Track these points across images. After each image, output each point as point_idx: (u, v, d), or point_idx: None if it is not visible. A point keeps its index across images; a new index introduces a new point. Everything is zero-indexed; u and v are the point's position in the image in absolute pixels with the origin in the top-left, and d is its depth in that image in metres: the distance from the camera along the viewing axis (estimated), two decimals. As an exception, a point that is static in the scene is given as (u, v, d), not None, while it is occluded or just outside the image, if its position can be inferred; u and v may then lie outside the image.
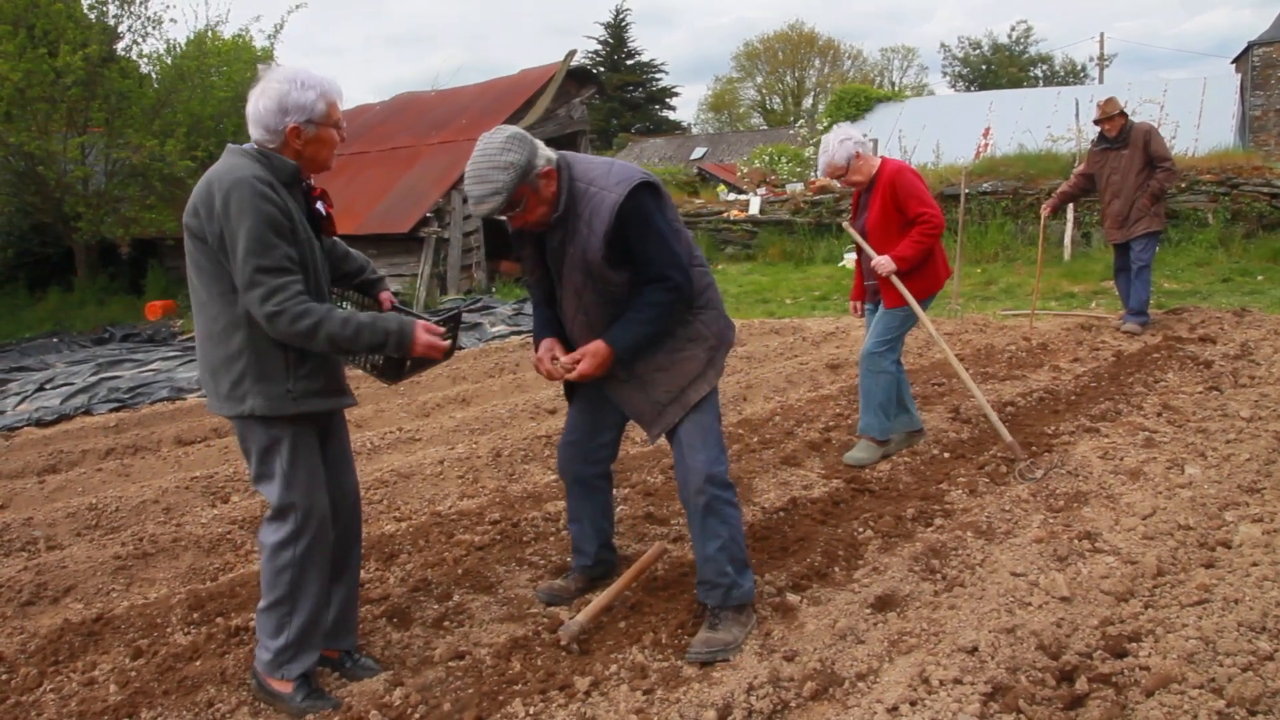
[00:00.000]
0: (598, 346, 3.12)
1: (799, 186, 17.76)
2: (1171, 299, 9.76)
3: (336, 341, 2.73)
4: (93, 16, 15.30)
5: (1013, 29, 56.80)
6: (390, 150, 16.31)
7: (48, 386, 9.27)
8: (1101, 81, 36.89)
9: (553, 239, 3.16)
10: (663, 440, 3.49)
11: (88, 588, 4.07)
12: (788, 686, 2.87)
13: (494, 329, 11.08)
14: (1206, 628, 2.91)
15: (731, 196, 18.80)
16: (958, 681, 2.74)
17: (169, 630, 3.56)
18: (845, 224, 5.34)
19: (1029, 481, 4.56)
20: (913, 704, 2.66)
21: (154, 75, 16.54)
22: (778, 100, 56.82)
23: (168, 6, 42.32)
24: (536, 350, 3.36)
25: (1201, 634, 2.87)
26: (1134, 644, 2.90)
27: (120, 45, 16.04)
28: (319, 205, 2.99)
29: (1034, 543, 3.74)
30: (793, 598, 3.48)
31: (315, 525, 2.92)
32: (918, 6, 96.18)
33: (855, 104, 24.99)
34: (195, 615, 3.68)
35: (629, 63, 50.15)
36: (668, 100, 52.41)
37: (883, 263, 4.91)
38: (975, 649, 2.91)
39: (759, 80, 57.63)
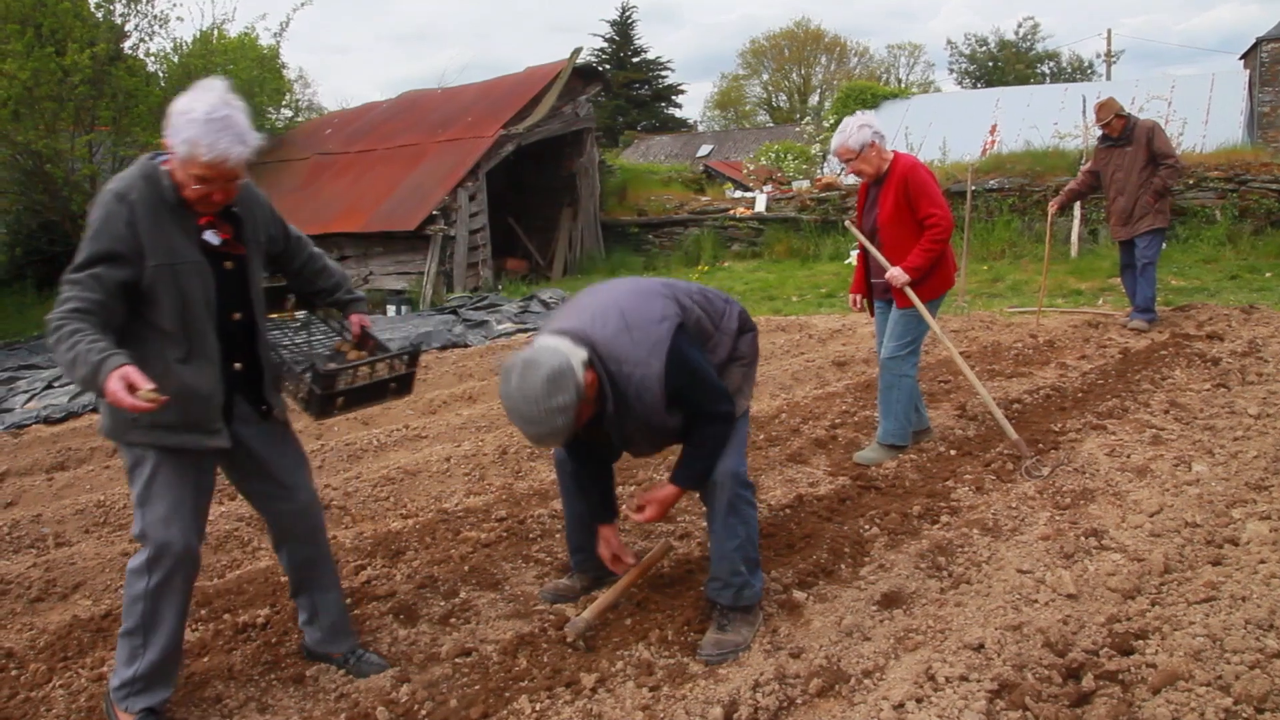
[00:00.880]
0: (665, 494, 3.21)
1: (805, 184, 17.74)
2: (1179, 296, 9.72)
3: (62, 363, 2.51)
4: (100, 15, 15.36)
5: (1019, 25, 56.73)
6: (397, 148, 16.33)
7: (56, 384, 9.30)
8: (1109, 78, 36.80)
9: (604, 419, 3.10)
10: None
11: (96, 584, 4.09)
12: (794, 683, 2.87)
13: (500, 326, 11.08)
14: (1214, 625, 2.91)
15: (737, 194, 18.80)
16: (964, 679, 2.74)
17: (177, 627, 3.57)
18: (848, 223, 5.33)
19: (1035, 479, 4.56)
20: (919, 701, 2.66)
21: (160, 74, 16.59)
22: (784, 98, 56.76)
23: (174, 5, 42.27)
24: (596, 534, 3.45)
25: (1209, 631, 2.87)
26: (1141, 641, 2.89)
27: (127, 44, 16.10)
28: (207, 235, 2.80)
29: (1040, 540, 3.74)
30: (799, 595, 3.48)
31: (171, 561, 2.77)
32: (924, 3, 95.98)
33: (861, 101, 24.90)
34: (203, 612, 3.69)
35: (635, 60, 50.08)
36: (674, 98, 52.33)
37: (896, 275, 4.88)
38: (981, 646, 2.91)
39: (765, 77, 57.59)
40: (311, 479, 3.18)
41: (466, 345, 10.25)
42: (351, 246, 14.80)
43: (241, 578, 4.02)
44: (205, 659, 3.31)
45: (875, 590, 3.49)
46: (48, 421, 7.81)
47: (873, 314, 5.40)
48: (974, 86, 49.12)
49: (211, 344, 2.79)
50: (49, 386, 9.22)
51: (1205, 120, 19.10)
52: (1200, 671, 2.66)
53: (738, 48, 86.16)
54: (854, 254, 5.03)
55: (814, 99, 54.21)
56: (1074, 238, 12.99)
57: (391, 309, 13.39)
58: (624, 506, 3.30)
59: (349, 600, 3.69)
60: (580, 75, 17.08)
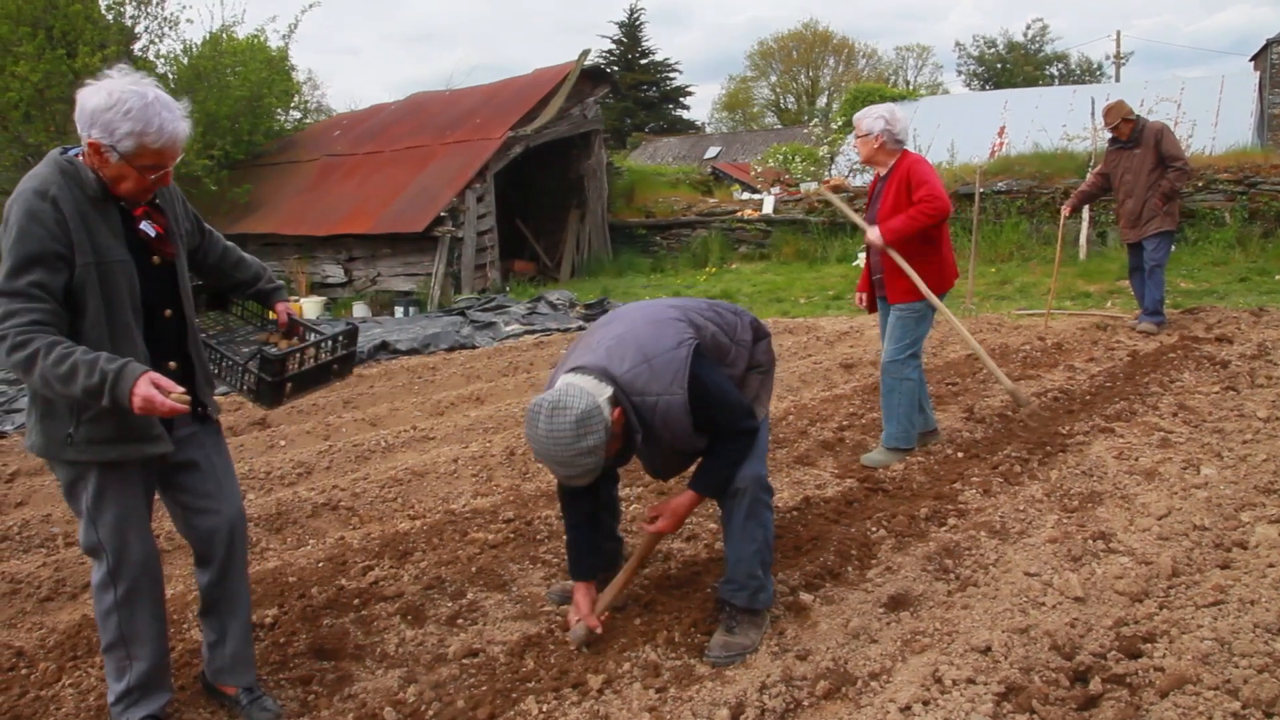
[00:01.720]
0: (682, 501, 3.20)
1: (813, 185, 17.73)
2: (1188, 298, 9.70)
3: (50, 379, 2.39)
4: (110, 18, 15.45)
5: (1028, 27, 56.62)
6: (405, 150, 16.37)
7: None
8: (1118, 80, 36.68)
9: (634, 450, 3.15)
10: None
11: (105, 584, 4.10)
12: (800, 685, 2.87)
13: (508, 328, 11.10)
14: (1222, 629, 2.90)
15: (745, 196, 18.81)
16: (971, 681, 2.74)
17: (185, 626, 3.59)
18: (821, 187, 5.36)
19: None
20: (925, 704, 2.66)
21: (170, 75, 16.65)
22: (792, 99, 56.71)
23: (184, 7, 42.57)
24: (573, 588, 3.35)
25: (1217, 635, 2.86)
26: (1148, 645, 2.89)
27: (137, 46, 16.19)
28: (144, 226, 2.70)
29: (1048, 543, 3.73)
30: (806, 597, 3.48)
31: (133, 568, 2.71)
32: (933, 5, 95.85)
33: (869, 103, 24.88)
34: (211, 612, 3.70)
35: (643, 62, 50.09)
36: (682, 99, 52.32)
37: (874, 235, 4.91)
38: (988, 649, 2.91)
39: (773, 79, 57.54)
40: (239, 493, 3.03)
41: (474, 347, 10.26)
42: (359, 248, 14.84)
43: (250, 577, 4.02)
44: (214, 659, 3.32)
45: (882, 592, 3.49)
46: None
47: (873, 310, 5.41)
48: (982, 88, 49.06)
49: (140, 346, 2.63)
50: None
51: (1215, 122, 19.04)
52: (1208, 675, 2.65)
53: (746, 49, 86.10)
54: (861, 256, 5.05)
55: (822, 101, 54.20)
56: (1082, 240, 12.97)
57: (399, 310, 13.43)
58: (637, 520, 3.28)
59: (356, 601, 3.71)
60: (588, 77, 17.10)
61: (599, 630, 3.25)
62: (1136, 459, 4.74)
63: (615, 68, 45.39)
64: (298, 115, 21.64)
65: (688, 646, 3.22)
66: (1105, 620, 3.07)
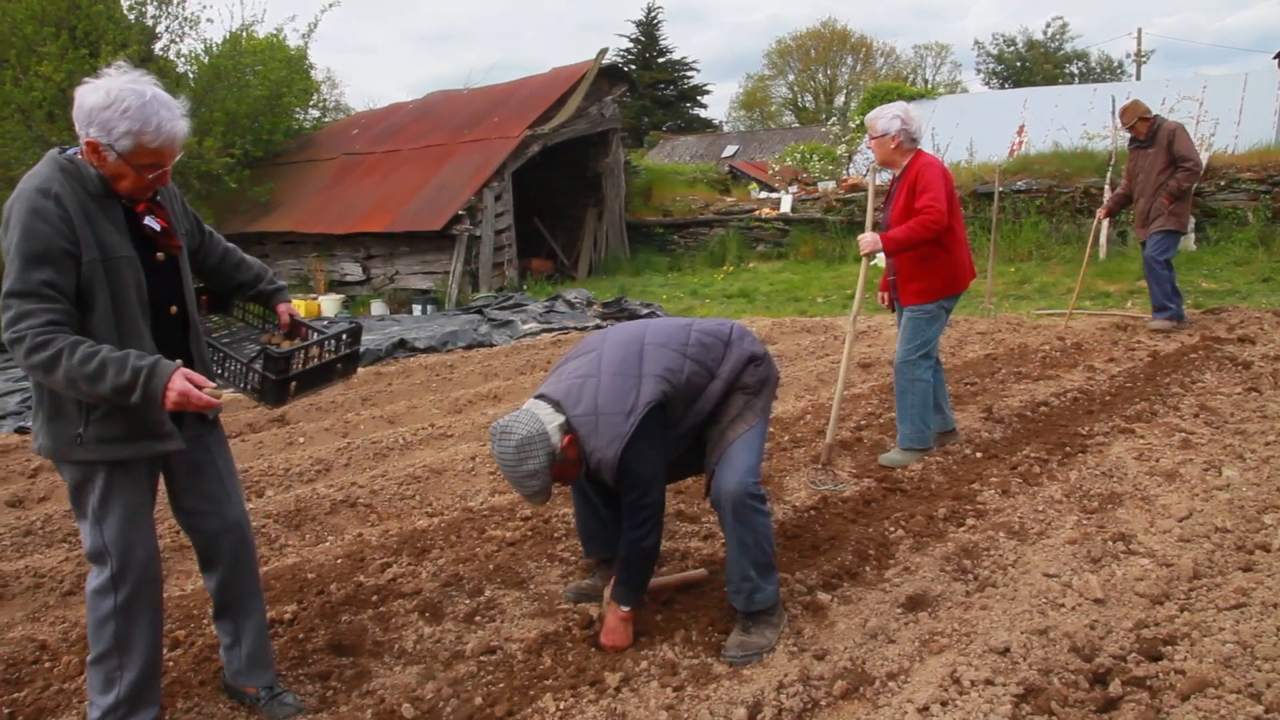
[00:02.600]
0: (617, 618, 3.27)
1: (831, 184, 17.69)
2: (1210, 298, 9.62)
3: (76, 379, 2.38)
4: (132, 17, 15.56)
5: (1048, 25, 56.23)
6: (423, 148, 16.42)
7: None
8: (1139, 78, 36.42)
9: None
10: None
11: (127, 579, 4.13)
12: (818, 685, 2.87)
13: (525, 326, 11.12)
14: (1244, 632, 2.87)
15: (763, 195, 18.76)
16: (989, 682, 2.72)
17: (205, 622, 3.61)
18: (869, 170, 5.29)
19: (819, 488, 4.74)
20: (944, 704, 2.65)
21: (191, 74, 16.77)
22: (809, 98, 56.53)
23: (205, 7, 42.90)
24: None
25: (1239, 638, 2.83)
26: (1169, 647, 2.87)
27: (158, 45, 16.32)
28: (148, 221, 2.67)
29: (1067, 544, 3.71)
30: (823, 596, 3.48)
31: (136, 573, 2.66)
32: (952, 3, 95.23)
33: (888, 101, 24.78)
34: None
35: (660, 60, 50.03)
36: (699, 98, 52.21)
37: (866, 240, 4.91)
38: (1007, 650, 2.89)
39: (791, 78, 57.37)
40: (242, 494, 3.04)
41: (492, 345, 10.29)
42: (378, 246, 14.90)
43: (268, 574, 4.05)
44: (234, 654, 3.34)
45: (900, 593, 3.48)
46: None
47: (894, 308, 5.39)
48: (1001, 87, 48.73)
49: (148, 343, 2.61)
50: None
51: (1238, 121, 18.86)
52: (1230, 679, 2.63)
53: (763, 48, 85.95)
54: (881, 256, 5.02)
55: (840, 99, 54.02)
56: (1103, 239, 12.88)
57: (417, 308, 13.48)
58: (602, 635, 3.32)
59: (374, 598, 3.72)
60: (606, 76, 17.12)
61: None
62: (1157, 460, 4.70)
63: (633, 66, 45.39)
64: (316, 114, 21.78)
65: (705, 645, 3.23)
66: (1125, 622, 3.05)
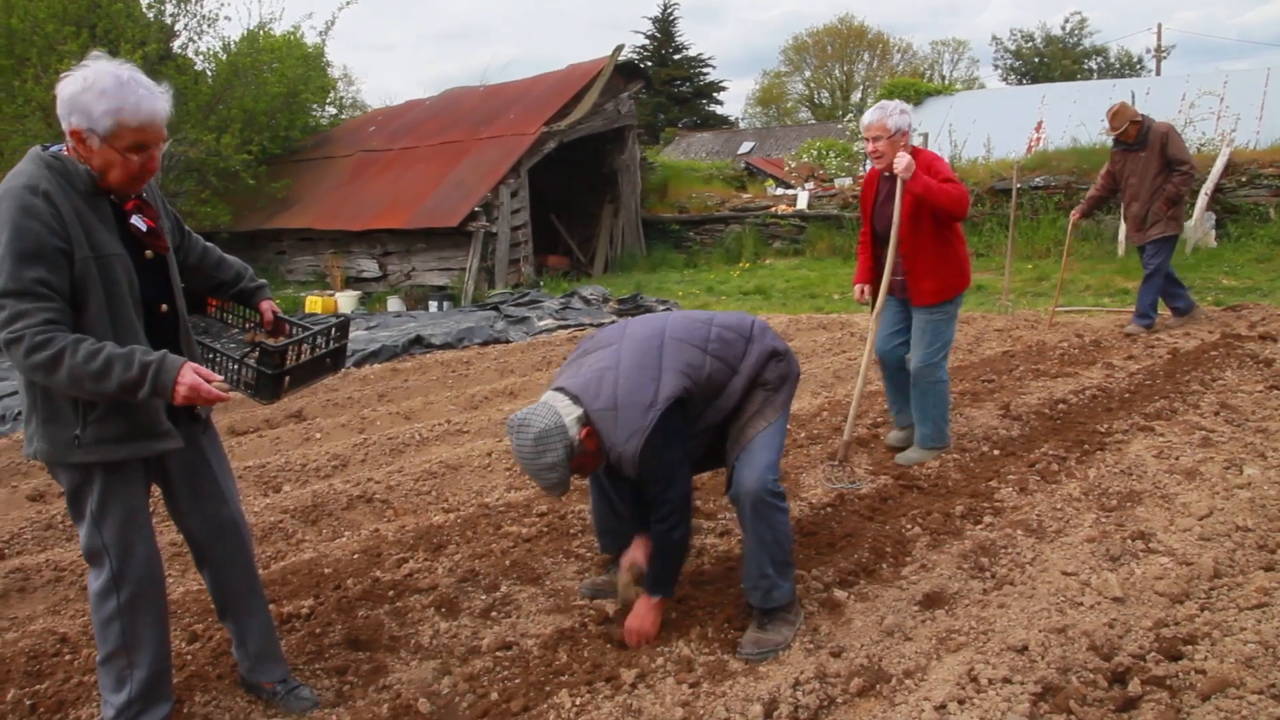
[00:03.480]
0: (647, 608, 3.27)
1: (847, 181, 17.63)
2: (1231, 295, 9.53)
3: (80, 377, 2.34)
4: (151, 15, 15.63)
5: (1067, 21, 55.58)
6: (440, 145, 16.45)
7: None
8: (1158, 73, 36.12)
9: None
10: None
11: (146, 573, 4.16)
12: (834, 682, 2.86)
13: (541, 322, 11.14)
14: (1266, 632, 2.84)
15: (779, 191, 18.73)
16: (1007, 681, 2.71)
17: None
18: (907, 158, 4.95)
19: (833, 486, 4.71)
20: (961, 703, 2.64)
21: (209, 72, 16.85)
22: (826, 95, 56.35)
23: (223, 4, 42.84)
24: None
25: (1261, 638, 2.81)
26: (1189, 647, 2.84)
27: (177, 43, 16.38)
28: (135, 220, 2.63)
29: (1086, 542, 3.69)
30: (840, 594, 3.47)
31: (137, 572, 2.66)
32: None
33: (905, 98, 24.72)
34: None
35: (676, 57, 49.91)
36: (715, 95, 52.04)
37: (903, 161, 4.64)
38: (1025, 648, 2.88)
39: (807, 74, 57.19)
40: (237, 493, 3.01)
41: (508, 341, 10.31)
42: (394, 243, 14.94)
43: (286, 569, 4.07)
44: (251, 648, 3.36)
45: (917, 590, 3.47)
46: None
47: (873, 307, 5.17)
48: (1019, 83, 48.40)
49: (143, 341, 2.58)
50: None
51: (1259, 116, 18.70)
52: (1252, 679, 2.60)
53: (780, 44, 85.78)
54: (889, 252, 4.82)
55: (856, 96, 53.77)
56: (1120, 236, 12.79)
57: (434, 305, 13.51)
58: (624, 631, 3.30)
59: (391, 593, 3.74)
60: (622, 72, 17.10)
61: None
62: (1177, 458, 4.66)
63: (649, 63, 45.33)
64: (333, 111, 21.83)
65: (721, 642, 3.22)
66: (1145, 621, 3.03)
